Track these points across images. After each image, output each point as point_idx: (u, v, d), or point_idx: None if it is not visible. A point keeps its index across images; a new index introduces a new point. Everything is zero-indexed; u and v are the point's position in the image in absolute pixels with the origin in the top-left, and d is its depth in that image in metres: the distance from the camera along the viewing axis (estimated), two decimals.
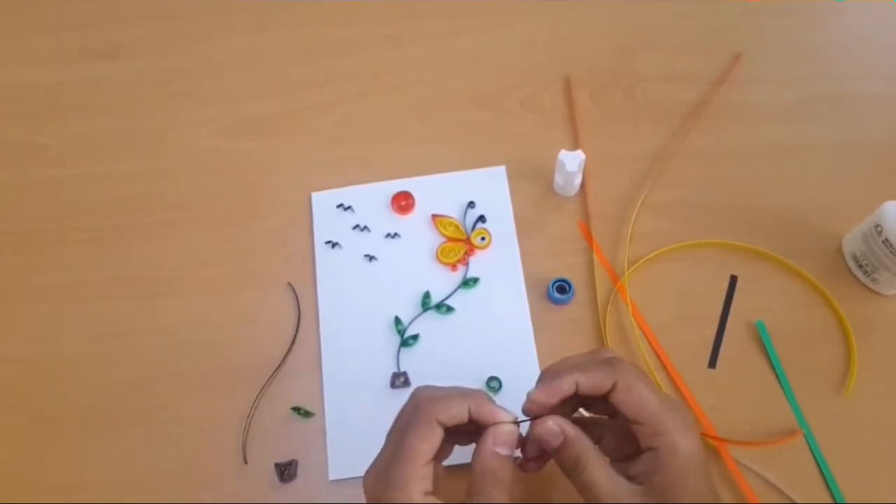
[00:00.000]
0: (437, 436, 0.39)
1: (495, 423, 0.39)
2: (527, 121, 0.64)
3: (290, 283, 0.57)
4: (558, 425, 0.39)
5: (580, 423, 0.41)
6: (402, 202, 0.59)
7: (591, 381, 0.39)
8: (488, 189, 0.60)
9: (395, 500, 0.37)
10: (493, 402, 0.40)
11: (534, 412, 0.40)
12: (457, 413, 0.39)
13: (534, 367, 0.53)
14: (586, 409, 0.44)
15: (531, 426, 0.40)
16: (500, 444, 0.39)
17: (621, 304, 0.55)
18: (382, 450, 0.41)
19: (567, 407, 0.42)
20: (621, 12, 0.68)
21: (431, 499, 0.38)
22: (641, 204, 0.58)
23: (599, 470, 0.38)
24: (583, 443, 0.39)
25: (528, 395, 0.40)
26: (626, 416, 0.39)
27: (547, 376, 0.41)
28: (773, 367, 0.52)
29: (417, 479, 0.38)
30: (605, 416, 0.43)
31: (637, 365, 0.53)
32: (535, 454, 0.42)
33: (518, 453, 0.41)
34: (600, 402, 0.41)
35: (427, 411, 0.39)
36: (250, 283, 0.58)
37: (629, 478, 0.39)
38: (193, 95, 0.66)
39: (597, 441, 0.43)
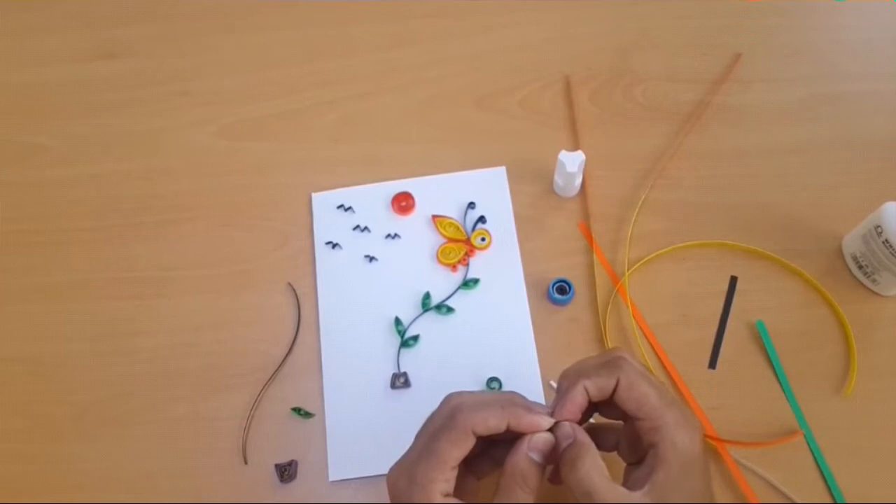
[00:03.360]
0: (469, 444, 0.39)
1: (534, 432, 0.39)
2: (527, 121, 0.63)
3: (290, 283, 0.57)
4: (571, 427, 0.40)
5: (596, 428, 0.42)
6: (403, 203, 0.59)
7: (597, 386, 0.40)
8: (488, 190, 0.60)
9: (415, 497, 0.38)
10: (528, 406, 0.40)
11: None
12: (494, 425, 0.39)
13: (534, 368, 0.53)
14: (601, 414, 0.44)
15: (553, 430, 0.41)
16: (535, 450, 0.39)
17: (621, 305, 0.55)
18: (409, 449, 0.41)
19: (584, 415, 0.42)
20: (621, 12, 0.68)
21: (451, 499, 0.38)
22: (641, 204, 0.58)
23: (598, 474, 0.38)
24: (587, 448, 0.39)
25: (554, 414, 0.40)
26: (628, 412, 0.39)
27: (561, 387, 0.41)
28: (773, 368, 0.52)
29: (440, 481, 0.38)
30: (619, 422, 0.43)
31: None
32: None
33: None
34: (613, 406, 0.41)
35: (464, 420, 0.39)
36: (250, 283, 0.58)
37: (636, 480, 0.39)
38: (193, 95, 0.66)
39: (614, 447, 0.43)
